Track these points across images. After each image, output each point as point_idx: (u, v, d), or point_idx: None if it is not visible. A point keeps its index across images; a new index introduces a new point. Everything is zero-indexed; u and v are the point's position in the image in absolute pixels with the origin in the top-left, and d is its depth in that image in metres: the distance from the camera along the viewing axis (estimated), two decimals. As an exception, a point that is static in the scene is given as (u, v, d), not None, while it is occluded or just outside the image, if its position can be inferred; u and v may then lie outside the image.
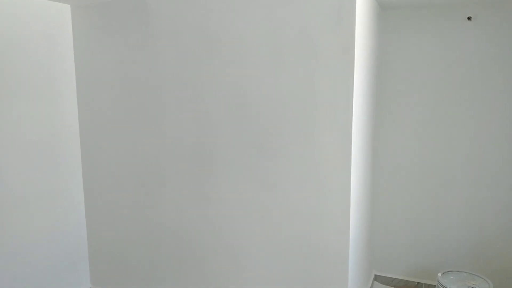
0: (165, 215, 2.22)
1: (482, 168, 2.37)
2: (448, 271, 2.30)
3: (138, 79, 2.18)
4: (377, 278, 2.66)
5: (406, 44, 2.42)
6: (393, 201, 2.59)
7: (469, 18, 2.24)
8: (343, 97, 1.73)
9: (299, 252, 1.90)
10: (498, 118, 2.31)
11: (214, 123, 2.02)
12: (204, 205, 2.11)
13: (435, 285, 2.52)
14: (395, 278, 2.65)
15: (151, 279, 2.34)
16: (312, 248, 1.87)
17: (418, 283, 2.59)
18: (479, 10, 2.25)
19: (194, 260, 2.19)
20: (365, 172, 2.18)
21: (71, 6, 2.25)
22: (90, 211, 2.48)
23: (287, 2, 1.77)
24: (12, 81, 2.07)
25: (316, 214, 1.84)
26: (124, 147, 2.29)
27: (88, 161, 2.43)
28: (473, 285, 2.13)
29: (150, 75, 2.14)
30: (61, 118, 2.32)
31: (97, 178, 2.42)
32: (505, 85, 2.27)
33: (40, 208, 2.23)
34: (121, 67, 2.23)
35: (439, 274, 2.25)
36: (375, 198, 2.62)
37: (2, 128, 2.03)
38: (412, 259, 2.59)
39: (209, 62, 1.98)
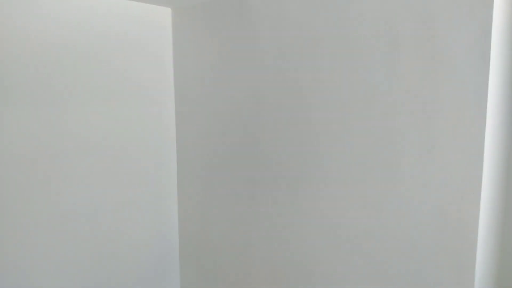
0: (258, 226, 2.09)
1: None
2: None
3: (236, 80, 2.08)
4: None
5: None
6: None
7: None
8: (474, 101, 1.37)
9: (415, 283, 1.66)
10: None
11: (315, 128, 1.81)
12: (299, 217, 1.91)
13: None
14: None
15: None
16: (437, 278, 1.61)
17: None
18: None
19: (287, 270, 2.02)
20: (499, 200, 1.81)
21: (172, 8, 2.25)
22: (183, 219, 2.45)
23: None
24: (114, 84, 2.10)
25: (437, 248, 1.54)
26: (218, 152, 2.22)
27: (183, 167, 2.40)
28: None
29: (248, 75, 2.04)
30: (160, 122, 2.31)
31: (191, 184, 2.38)
32: None
33: (136, 213, 2.25)
34: (218, 68, 2.15)
35: None
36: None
37: (105, 129, 2.05)
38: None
39: (311, 61, 1.78)
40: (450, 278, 1.50)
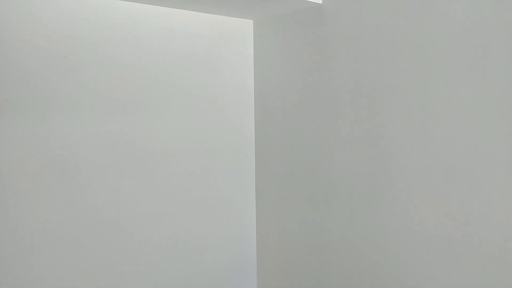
0: (335, 232, 2.09)
1: None
2: None
3: (314, 88, 2.13)
4: None
5: None
6: None
7: None
8: None
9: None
10: None
11: (392, 137, 1.79)
12: (377, 225, 1.89)
13: None
14: None
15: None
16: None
17: None
18: None
19: (365, 277, 2.03)
20: None
21: (254, 20, 2.38)
22: (260, 222, 2.53)
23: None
24: (198, 93, 2.25)
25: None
26: (296, 157, 2.27)
27: (261, 171, 2.49)
28: None
29: (326, 83, 2.08)
30: (240, 128, 2.44)
31: (269, 187, 2.46)
32: None
33: (217, 212, 2.37)
34: (296, 77, 2.21)
35: None
36: None
37: (189, 134, 2.22)
38: None
39: (390, 68, 1.77)
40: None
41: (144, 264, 2.13)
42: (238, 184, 2.47)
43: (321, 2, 2.03)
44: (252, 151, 2.51)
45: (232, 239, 2.46)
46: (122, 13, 1.98)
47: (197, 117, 2.26)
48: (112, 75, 1.97)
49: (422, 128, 1.70)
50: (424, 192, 1.71)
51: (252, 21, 2.40)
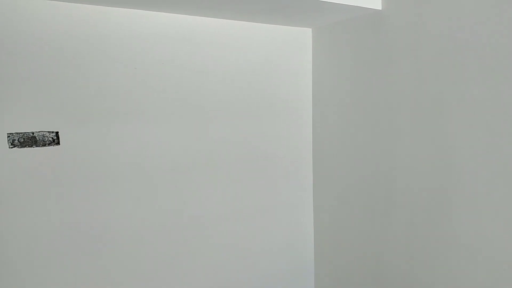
0: (392, 244, 2.07)
1: None
2: None
3: (372, 95, 2.13)
4: None
5: None
6: None
7: None
8: None
9: None
10: None
11: (456, 149, 1.73)
12: (434, 237, 1.84)
13: None
14: None
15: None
16: None
17: None
18: None
19: (420, 286, 1.96)
20: None
21: (312, 28, 2.44)
22: (318, 228, 2.56)
23: None
24: (259, 100, 2.35)
25: None
26: (354, 165, 2.28)
27: (318, 178, 2.52)
28: None
29: (384, 90, 2.07)
30: (298, 134, 2.49)
31: (326, 195, 2.48)
32: None
33: (277, 218, 2.44)
34: (355, 83, 2.22)
35: None
36: None
37: (250, 139, 2.31)
38: None
39: (453, 75, 1.72)
40: None
41: (206, 265, 2.24)
42: (296, 190, 2.51)
43: (380, 8, 2.03)
44: (310, 158, 2.55)
45: (290, 244, 2.50)
46: (187, 27, 2.11)
47: (259, 124, 2.35)
48: (183, 84, 2.11)
49: (490, 139, 1.62)
50: (489, 205, 1.65)
51: (311, 29, 2.45)
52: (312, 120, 2.53)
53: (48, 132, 1.81)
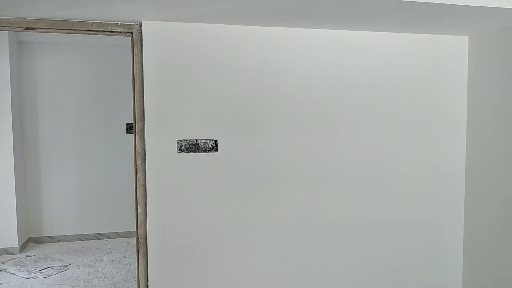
0: None
1: None
2: None
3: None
4: None
5: None
6: None
7: None
8: None
9: None
10: None
11: None
12: None
13: None
14: None
15: None
16: None
17: None
18: None
19: None
20: None
21: (469, 36, 2.28)
22: (468, 251, 2.36)
23: None
24: (411, 118, 2.28)
25: None
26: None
27: (471, 199, 2.34)
28: None
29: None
30: (450, 151, 2.35)
31: (479, 219, 2.27)
32: None
33: (423, 235, 2.35)
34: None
35: None
36: None
37: (402, 152, 2.27)
38: None
39: None
40: None
41: (352, 273, 2.26)
42: (445, 210, 2.35)
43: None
44: (462, 177, 2.36)
45: (438, 265, 2.36)
46: (329, 42, 2.16)
47: (415, 137, 2.28)
48: (331, 98, 2.17)
49: None
50: None
51: (467, 37, 2.28)
52: (466, 136, 2.34)
53: (209, 140, 2.04)
